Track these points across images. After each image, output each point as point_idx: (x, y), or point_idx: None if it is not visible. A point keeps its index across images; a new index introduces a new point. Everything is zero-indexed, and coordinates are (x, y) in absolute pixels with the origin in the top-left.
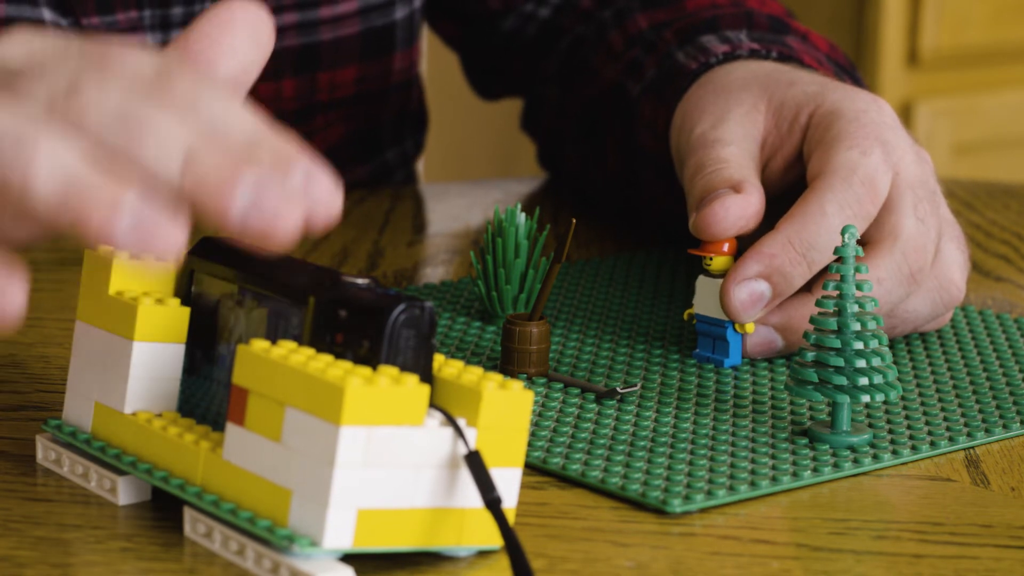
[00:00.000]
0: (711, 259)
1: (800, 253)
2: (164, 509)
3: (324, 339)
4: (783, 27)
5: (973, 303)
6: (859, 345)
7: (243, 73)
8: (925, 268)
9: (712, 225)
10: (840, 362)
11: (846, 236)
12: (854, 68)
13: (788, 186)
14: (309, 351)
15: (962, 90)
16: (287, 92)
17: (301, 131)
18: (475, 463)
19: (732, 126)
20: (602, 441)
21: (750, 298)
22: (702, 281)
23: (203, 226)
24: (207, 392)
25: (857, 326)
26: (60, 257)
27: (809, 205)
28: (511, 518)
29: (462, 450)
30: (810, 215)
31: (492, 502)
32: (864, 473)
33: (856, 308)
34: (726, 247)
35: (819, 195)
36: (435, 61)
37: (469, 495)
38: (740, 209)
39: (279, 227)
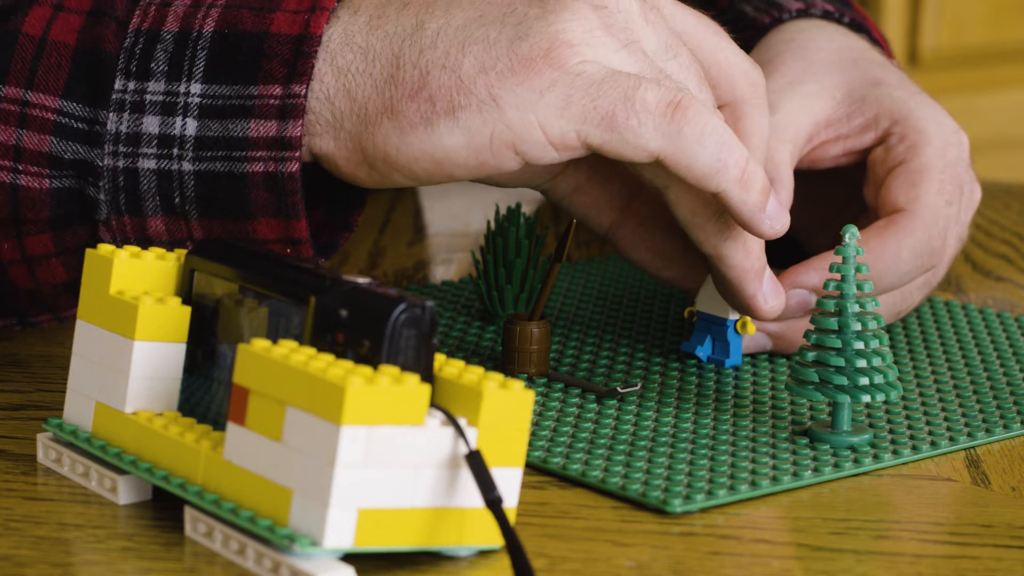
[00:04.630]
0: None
1: None
2: (165, 508)
3: (325, 338)
4: (846, 4)
5: (973, 303)
6: (860, 345)
7: None
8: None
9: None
10: (841, 362)
11: (847, 236)
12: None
13: (837, 167)
14: (310, 350)
15: (962, 90)
16: None
17: None
18: (476, 463)
19: (795, 97)
20: (602, 441)
21: (797, 305)
22: (708, 279)
23: None
24: (208, 391)
25: (858, 326)
26: None
27: (888, 242)
28: (512, 518)
29: (463, 449)
30: (887, 253)
31: (493, 502)
32: (865, 473)
33: (857, 308)
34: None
35: (900, 238)
36: None
37: (470, 495)
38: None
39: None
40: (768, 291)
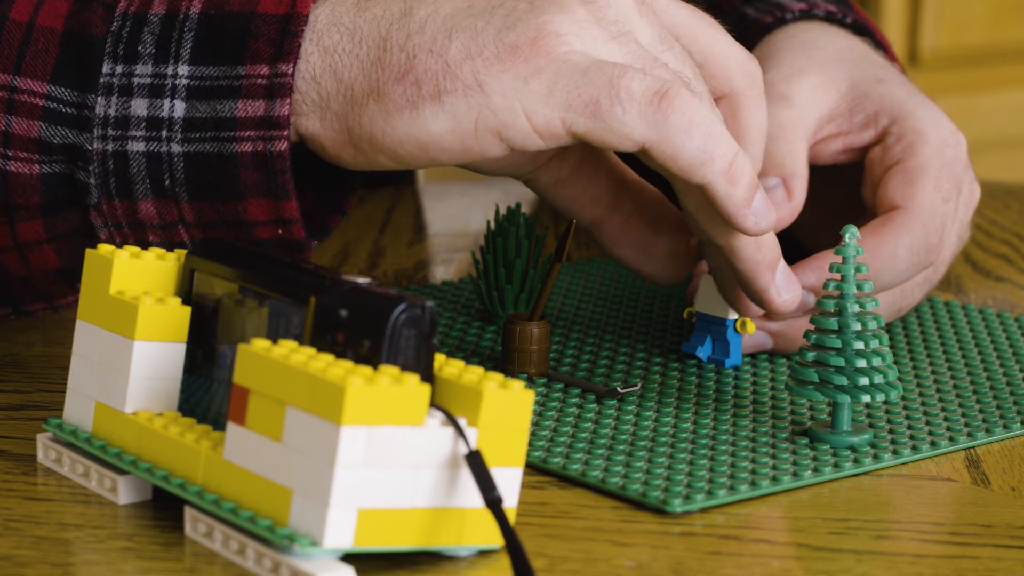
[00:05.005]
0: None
1: None
2: (165, 508)
3: (325, 338)
4: (849, 6)
5: (973, 303)
6: (860, 345)
7: None
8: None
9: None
10: (841, 362)
11: (846, 236)
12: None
13: (835, 164)
14: (310, 350)
15: (962, 90)
16: None
17: None
18: (476, 462)
19: (804, 88)
20: (602, 441)
21: (799, 304)
22: (706, 279)
23: None
24: (208, 391)
25: (858, 326)
26: None
27: (885, 241)
28: (512, 518)
29: (463, 449)
30: (884, 251)
31: (493, 502)
32: (865, 473)
33: (857, 308)
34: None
35: (897, 236)
36: None
37: (470, 495)
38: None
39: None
40: (782, 284)
